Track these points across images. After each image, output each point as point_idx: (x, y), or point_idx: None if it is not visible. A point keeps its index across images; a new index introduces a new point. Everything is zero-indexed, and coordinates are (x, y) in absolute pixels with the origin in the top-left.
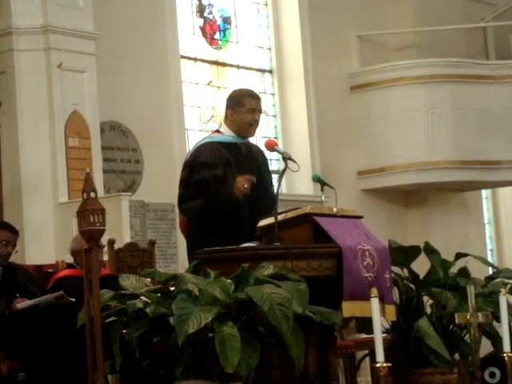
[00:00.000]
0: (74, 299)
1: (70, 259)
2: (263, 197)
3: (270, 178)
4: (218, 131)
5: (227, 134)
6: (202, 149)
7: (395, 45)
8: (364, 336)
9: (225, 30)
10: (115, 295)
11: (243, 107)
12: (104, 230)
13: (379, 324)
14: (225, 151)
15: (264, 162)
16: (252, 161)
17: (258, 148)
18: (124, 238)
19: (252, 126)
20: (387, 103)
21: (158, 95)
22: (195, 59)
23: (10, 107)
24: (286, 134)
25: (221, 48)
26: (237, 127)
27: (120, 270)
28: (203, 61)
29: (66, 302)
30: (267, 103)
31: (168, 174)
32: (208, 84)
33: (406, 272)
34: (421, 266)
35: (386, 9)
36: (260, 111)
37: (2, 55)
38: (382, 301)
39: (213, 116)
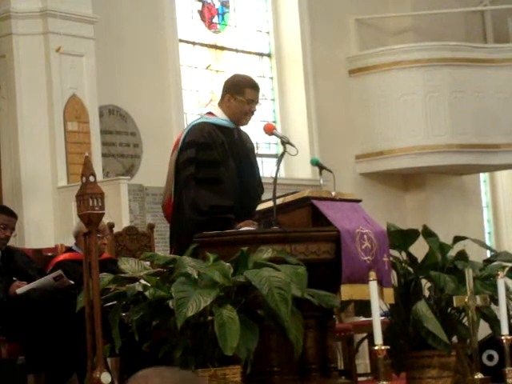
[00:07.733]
0: (72, 281)
1: (69, 243)
2: (252, 183)
3: (257, 165)
4: (211, 113)
5: (221, 118)
6: (201, 128)
7: (394, 28)
8: (362, 319)
9: (223, 14)
10: (114, 278)
11: (243, 96)
12: (103, 214)
13: (377, 307)
14: (219, 133)
15: (252, 148)
16: (243, 146)
17: (246, 134)
18: (123, 221)
19: (247, 115)
20: (385, 87)
21: (156, 79)
22: (194, 43)
23: (9, 91)
24: (285, 118)
25: (219, 32)
26: (232, 113)
27: (119, 253)
28: (202, 45)
29: (64, 282)
30: (266, 87)
31: (167, 158)
32: (206, 68)
33: (404, 255)
34: (419, 249)
35: None
36: (258, 102)
37: (0, 39)
38: (381, 284)
39: (211, 100)
